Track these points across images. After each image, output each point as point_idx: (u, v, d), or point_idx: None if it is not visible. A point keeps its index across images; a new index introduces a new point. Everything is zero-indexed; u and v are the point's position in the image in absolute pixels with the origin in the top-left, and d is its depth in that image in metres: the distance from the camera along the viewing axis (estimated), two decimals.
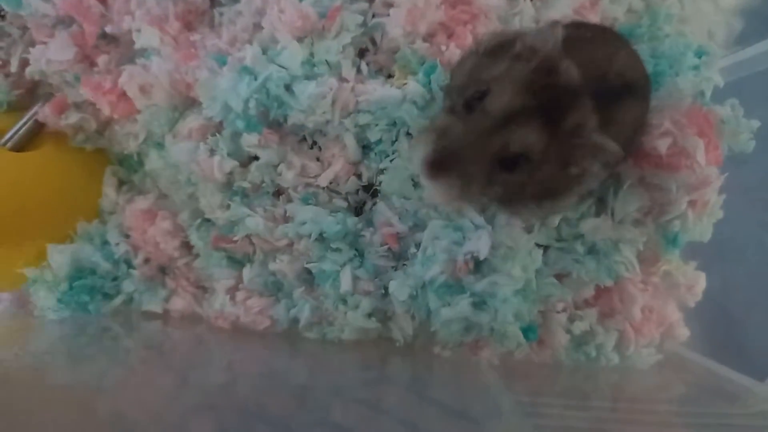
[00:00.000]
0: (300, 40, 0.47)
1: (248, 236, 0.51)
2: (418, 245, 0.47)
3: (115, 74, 0.52)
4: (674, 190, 0.45)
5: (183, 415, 0.39)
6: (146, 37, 0.50)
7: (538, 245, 0.46)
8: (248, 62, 0.46)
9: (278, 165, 0.49)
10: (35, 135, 0.55)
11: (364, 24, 0.49)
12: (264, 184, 0.50)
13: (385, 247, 0.48)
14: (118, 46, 0.54)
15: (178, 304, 0.54)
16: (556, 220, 0.46)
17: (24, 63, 0.55)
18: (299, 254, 0.49)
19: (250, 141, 0.48)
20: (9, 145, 0.53)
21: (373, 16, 0.50)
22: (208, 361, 0.50)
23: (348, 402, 0.42)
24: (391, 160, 0.48)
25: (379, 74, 0.49)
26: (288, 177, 0.48)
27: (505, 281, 0.44)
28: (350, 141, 0.48)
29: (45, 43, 0.53)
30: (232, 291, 0.52)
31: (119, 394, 0.42)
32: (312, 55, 0.47)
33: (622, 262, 0.46)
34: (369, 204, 0.50)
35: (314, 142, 0.50)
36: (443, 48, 0.46)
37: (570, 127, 0.32)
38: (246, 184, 0.50)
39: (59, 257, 0.53)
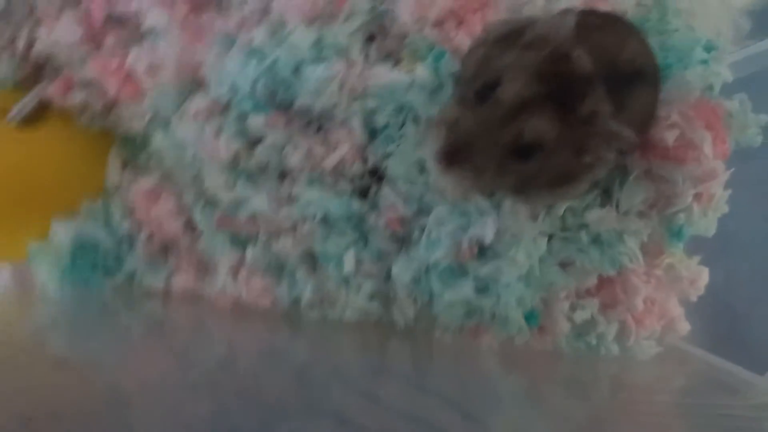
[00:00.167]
0: (309, 23, 0.47)
1: (252, 217, 0.51)
2: (422, 229, 0.47)
3: (122, 55, 0.52)
4: (680, 183, 0.45)
5: (181, 391, 0.39)
6: (153, 18, 0.50)
7: (542, 234, 0.46)
8: (257, 44, 0.46)
9: (284, 147, 0.49)
10: (41, 113, 0.55)
11: (373, 9, 0.49)
12: (270, 166, 0.50)
13: (390, 230, 0.48)
14: (126, 28, 0.54)
15: (180, 282, 0.54)
16: (561, 209, 0.46)
17: (31, 41, 0.55)
18: (303, 236, 0.49)
19: (256, 122, 0.48)
20: (14, 122, 0.54)
21: (383, 1, 0.49)
22: (208, 338, 0.50)
23: (347, 383, 0.42)
24: (397, 145, 0.48)
25: (388, 60, 0.49)
26: (294, 159, 0.48)
27: (509, 267, 0.44)
28: (357, 125, 0.48)
29: (52, 24, 0.52)
30: (234, 270, 0.52)
31: (118, 369, 0.42)
32: (320, 38, 0.47)
33: (626, 253, 0.46)
34: (374, 188, 0.50)
35: (321, 126, 0.50)
36: (452, 35, 0.46)
37: (584, 115, 0.32)
38: (251, 166, 0.50)
39: (63, 233, 0.53)
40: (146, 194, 0.54)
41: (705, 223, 0.47)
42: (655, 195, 0.47)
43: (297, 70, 0.46)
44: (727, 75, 0.48)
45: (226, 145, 0.48)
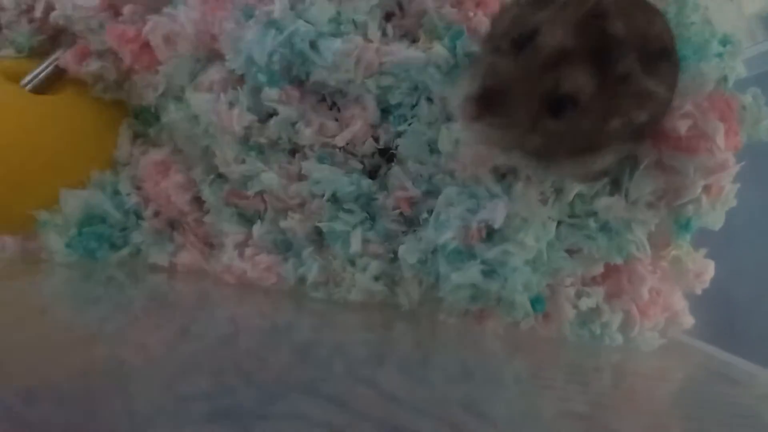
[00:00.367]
0: None
1: (260, 193, 0.51)
2: (430, 211, 0.47)
3: (139, 24, 0.52)
4: (691, 173, 0.45)
5: (182, 364, 0.39)
6: None
7: (550, 219, 0.46)
8: (276, 16, 0.46)
9: (296, 122, 0.49)
10: (55, 80, 0.55)
11: None
12: (281, 141, 0.50)
13: (397, 211, 0.48)
14: None
15: (185, 258, 0.54)
16: (571, 194, 0.46)
17: (49, 8, 0.55)
18: (311, 213, 0.49)
19: (270, 96, 0.48)
20: (29, 87, 0.54)
21: None
22: (211, 314, 0.50)
23: (349, 363, 0.42)
24: (409, 124, 0.48)
25: (405, 39, 0.49)
26: (305, 135, 0.49)
27: (517, 250, 0.44)
28: (370, 103, 0.48)
29: None
30: (240, 247, 0.52)
31: (120, 340, 0.42)
32: (339, 13, 0.47)
33: (634, 242, 0.46)
34: (384, 168, 0.50)
35: (334, 102, 0.50)
36: (471, 15, 0.47)
37: (619, 74, 0.32)
38: (263, 140, 0.50)
39: (71, 202, 0.53)
40: (155, 167, 0.54)
41: (713, 216, 0.47)
42: (665, 186, 0.47)
43: (314, 43, 0.46)
44: (742, 70, 0.48)
45: (239, 118, 0.48)
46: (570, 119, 0.33)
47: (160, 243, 0.56)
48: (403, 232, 0.49)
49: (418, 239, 0.47)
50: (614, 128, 0.34)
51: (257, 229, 0.51)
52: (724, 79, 0.46)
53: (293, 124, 0.49)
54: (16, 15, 0.56)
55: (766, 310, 0.49)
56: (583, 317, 0.49)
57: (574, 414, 0.38)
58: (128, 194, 0.55)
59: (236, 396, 0.33)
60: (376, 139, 0.50)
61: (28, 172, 0.52)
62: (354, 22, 0.48)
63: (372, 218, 0.50)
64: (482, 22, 0.46)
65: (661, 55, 0.38)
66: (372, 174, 0.51)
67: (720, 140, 0.44)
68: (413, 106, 0.48)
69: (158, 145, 0.57)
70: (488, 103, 0.31)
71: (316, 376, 0.38)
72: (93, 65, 0.54)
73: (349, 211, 0.49)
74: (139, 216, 0.56)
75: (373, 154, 0.50)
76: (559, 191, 0.46)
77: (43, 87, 0.54)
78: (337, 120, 0.50)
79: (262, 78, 0.48)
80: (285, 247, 0.52)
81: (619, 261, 0.47)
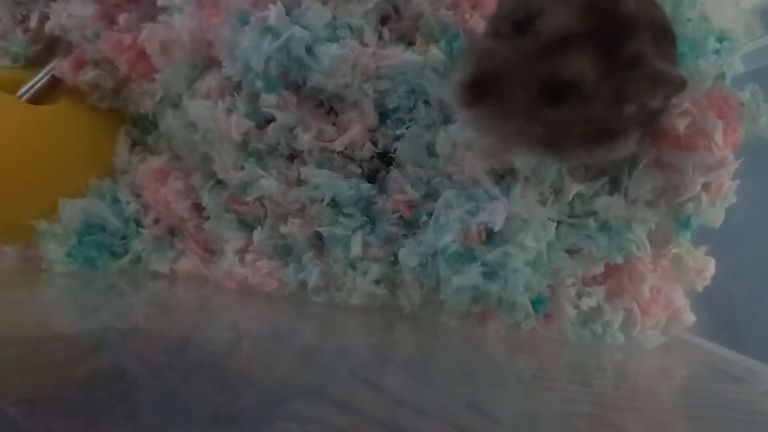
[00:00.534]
0: (324, 2, 0.47)
1: (260, 199, 0.51)
2: (430, 214, 0.47)
3: (135, 32, 0.52)
4: (690, 171, 0.45)
5: (185, 371, 0.39)
6: None
7: (550, 220, 0.46)
8: (272, 21, 0.46)
9: (294, 128, 0.49)
10: (52, 90, 0.55)
11: None
12: (279, 146, 0.50)
13: (397, 214, 0.48)
14: (140, 5, 0.54)
15: (186, 265, 0.54)
16: (570, 195, 0.46)
17: (44, 18, 0.55)
18: (311, 218, 0.49)
19: (268, 102, 0.48)
20: (25, 98, 0.54)
21: None
22: (213, 320, 0.50)
23: (352, 367, 0.42)
24: (407, 128, 0.48)
25: (401, 42, 0.49)
26: (304, 140, 0.48)
27: (517, 251, 0.44)
28: (368, 107, 0.48)
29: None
30: (241, 252, 0.52)
31: (122, 348, 0.42)
32: (335, 18, 0.47)
33: (634, 241, 0.46)
34: (383, 172, 0.50)
35: (332, 107, 0.50)
36: (467, 17, 0.47)
37: (629, 56, 0.30)
38: (261, 146, 0.50)
39: (70, 211, 0.53)
40: (154, 174, 0.54)
41: (713, 213, 0.47)
42: (664, 184, 0.47)
43: (310, 48, 0.46)
44: (739, 66, 0.48)
45: (237, 125, 0.48)
46: (574, 107, 0.31)
47: (160, 250, 0.56)
48: (403, 235, 0.49)
49: (418, 242, 0.47)
50: (629, 114, 0.32)
51: (257, 234, 0.51)
52: (722, 75, 0.46)
53: (291, 130, 0.49)
54: (11, 25, 0.56)
55: (767, 306, 0.49)
56: (584, 317, 0.49)
57: (576, 414, 0.38)
58: (128, 202, 0.55)
59: (240, 401, 0.33)
60: (375, 143, 0.50)
61: (26, 183, 0.52)
62: (350, 26, 0.48)
63: (372, 222, 0.50)
64: (479, 24, 0.46)
65: (667, 36, 0.36)
66: (371, 178, 0.51)
67: (719, 137, 0.44)
68: (411, 110, 0.48)
69: (157, 152, 0.57)
70: (481, 89, 0.29)
71: (319, 379, 0.38)
72: (89, 74, 0.54)
73: (349, 216, 0.49)
74: (138, 223, 0.56)
75: (371, 158, 0.50)
76: (558, 191, 0.46)
77: (40, 97, 0.54)
78: (335, 125, 0.50)
79: (259, 84, 0.47)
80: (285, 252, 0.52)
81: (619, 260, 0.47)
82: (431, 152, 0.48)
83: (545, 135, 0.33)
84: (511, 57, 0.29)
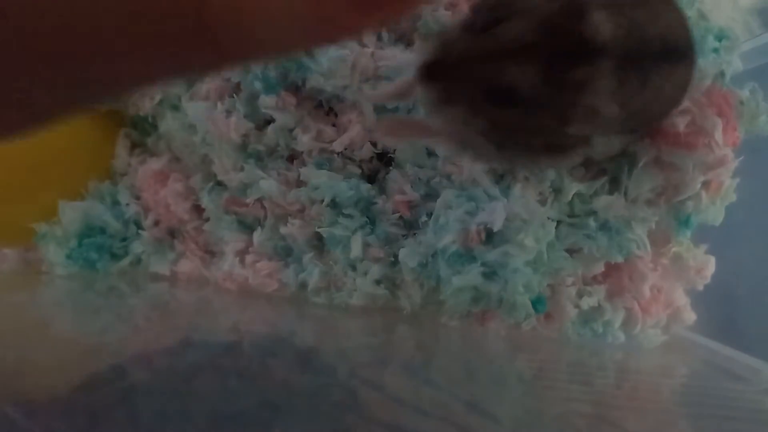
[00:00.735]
0: None
1: (260, 200, 0.51)
2: (429, 214, 0.47)
3: None
4: (690, 170, 0.45)
5: (186, 373, 0.39)
6: None
7: (550, 219, 0.46)
8: None
9: (294, 129, 0.49)
10: None
11: None
12: (279, 148, 0.50)
13: (397, 215, 0.48)
14: None
15: (186, 267, 0.54)
16: (569, 194, 0.46)
17: None
18: (311, 219, 0.49)
19: (267, 103, 0.48)
20: None
21: None
22: (214, 321, 0.50)
23: (353, 366, 0.42)
24: None
25: (400, 43, 0.49)
26: (303, 141, 0.49)
27: (517, 252, 0.44)
28: (367, 107, 0.48)
29: None
30: (241, 254, 0.52)
31: (123, 350, 0.42)
32: None
33: (634, 240, 0.46)
34: (383, 172, 0.50)
35: (331, 108, 0.50)
36: None
37: (572, 82, 0.30)
38: (261, 147, 0.50)
39: (70, 213, 0.53)
40: (154, 176, 0.54)
41: (713, 211, 0.47)
42: (664, 183, 0.47)
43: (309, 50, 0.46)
44: (738, 64, 0.48)
45: (236, 126, 0.48)
46: (514, 114, 0.32)
47: (160, 252, 0.56)
48: (403, 236, 0.49)
49: (418, 243, 0.47)
50: (573, 134, 0.32)
51: (257, 235, 0.51)
52: (722, 74, 0.46)
53: (291, 131, 0.49)
54: None
55: (767, 303, 0.49)
56: (584, 316, 0.49)
57: (577, 413, 0.38)
58: (127, 204, 0.55)
59: (241, 403, 0.33)
60: (374, 144, 0.50)
61: (25, 185, 0.52)
62: None
63: (372, 222, 0.50)
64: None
65: (664, 56, 0.35)
66: (371, 178, 0.51)
67: (718, 136, 0.44)
68: (410, 110, 0.48)
69: (156, 154, 0.57)
70: (433, 72, 0.30)
71: (319, 381, 0.38)
72: None
73: (349, 216, 0.49)
74: (138, 225, 0.56)
75: (371, 159, 0.50)
76: (557, 191, 0.46)
77: None
78: (334, 125, 0.50)
79: (258, 85, 0.48)
80: (285, 253, 0.52)
81: (619, 259, 0.47)
82: (430, 152, 0.48)
83: (490, 133, 0.34)
84: (467, 51, 0.30)
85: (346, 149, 0.49)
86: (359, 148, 0.49)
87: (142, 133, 0.58)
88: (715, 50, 0.47)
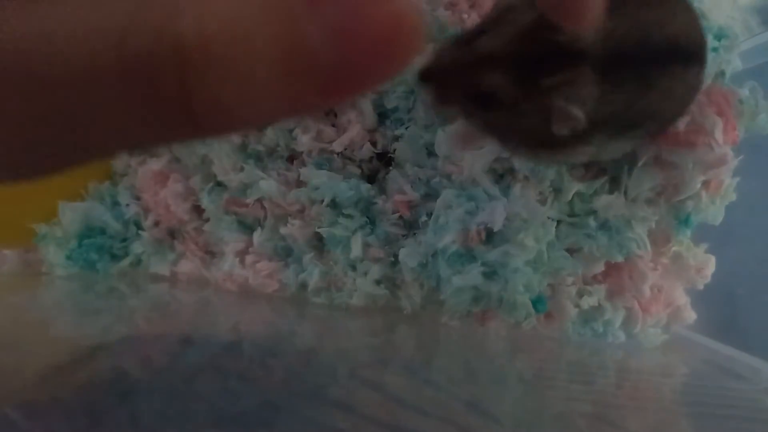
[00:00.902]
0: None
1: (260, 200, 0.51)
2: (429, 214, 0.47)
3: None
4: (689, 168, 0.45)
5: (186, 373, 0.39)
6: None
7: (550, 219, 0.46)
8: None
9: (294, 129, 0.49)
10: None
11: None
12: (279, 148, 0.50)
13: (397, 215, 0.48)
14: None
15: (186, 267, 0.54)
16: (569, 194, 0.46)
17: None
18: (311, 219, 0.49)
19: None
20: None
21: None
22: (214, 322, 0.50)
23: (353, 367, 0.42)
24: (406, 128, 0.48)
25: None
26: (303, 141, 0.49)
27: (518, 251, 0.44)
28: (367, 107, 0.48)
29: None
30: (241, 254, 0.52)
31: (123, 350, 0.42)
32: None
33: (634, 239, 0.46)
34: (382, 173, 0.50)
35: (330, 108, 0.50)
36: (465, 17, 0.47)
37: (543, 87, 0.32)
38: (261, 147, 0.50)
39: (70, 214, 0.53)
40: (154, 176, 0.54)
41: (713, 210, 0.47)
42: (664, 182, 0.47)
43: None
44: (738, 63, 0.48)
45: None
46: (502, 114, 0.34)
47: (160, 252, 0.56)
48: (403, 236, 0.49)
49: (418, 243, 0.47)
50: (560, 133, 0.33)
51: (257, 236, 0.51)
52: (721, 73, 0.46)
53: (290, 131, 0.49)
54: None
55: (767, 302, 0.49)
56: (585, 316, 0.49)
57: (578, 412, 0.38)
58: (127, 205, 0.56)
59: (241, 403, 0.33)
60: (374, 144, 0.50)
61: (25, 186, 0.51)
62: None
63: (372, 222, 0.50)
64: (476, 23, 0.46)
65: (672, 57, 0.35)
66: (370, 178, 0.51)
67: (718, 134, 0.44)
68: (409, 110, 0.48)
69: (156, 155, 0.57)
70: (426, 78, 0.32)
71: (320, 381, 0.38)
72: None
73: (349, 216, 0.49)
74: (138, 226, 0.56)
75: (371, 159, 0.50)
76: (557, 191, 0.46)
77: None
78: (334, 126, 0.50)
79: None
80: (286, 253, 0.52)
81: (619, 259, 0.47)
82: (430, 152, 0.48)
83: (486, 130, 0.36)
84: (452, 61, 0.33)
85: (345, 149, 0.49)
86: (359, 148, 0.49)
87: None
88: (715, 49, 0.47)
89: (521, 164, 0.46)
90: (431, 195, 0.48)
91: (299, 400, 0.35)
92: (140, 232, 0.55)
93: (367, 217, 0.50)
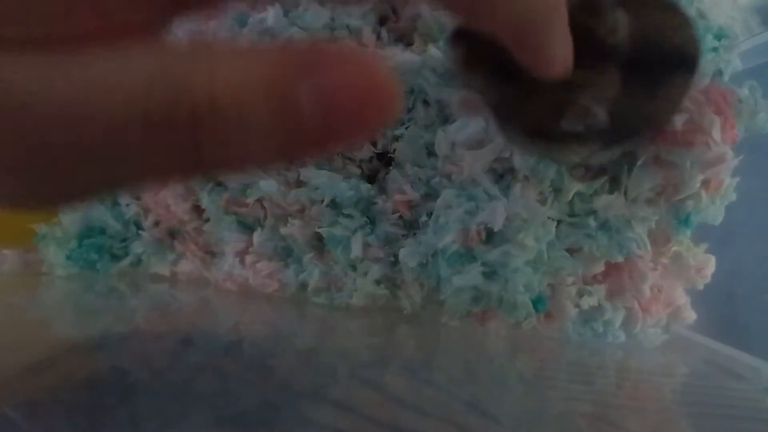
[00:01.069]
0: (322, 3, 0.47)
1: (260, 200, 0.51)
2: (429, 214, 0.47)
3: None
4: (688, 168, 0.44)
5: (186, 373, 0.39)
6: None
7: (550, 219, 0.46)
8: (270, 23, 0.46)
9: None
10: None
11: None
12: None
13: (397, 215, 0.49)
14: None
15: (186, 267, 0.54)
16: (569, 194, 0.46)
17: None
18: (311, 219, 0.49)
19: None
20: None
21: None
22: (214, 322, 0.50)
23: (354, 367, 0.42)
24: (406, 128, 0.48)
25: (399, 42, 0.49)
26: None
27: (518, 251, 0.44)
28: None
29: None
30: (241, 254, 0.52)
31: (123, 351, 0.42)
32: (333, 19, 0.47)
33: (634, 239, 0.46)
34: (382, 172, 0.50)
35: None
36: None
37: (573, 79, 0.30)
38: None
39: (70, 214, 0.53)
40: None
41: (713, 210, 0.47)
42: (664, 182, 0.46)
43: None
44: (737, 63, 0.48)
45: None
46: (518, 90, 0.32)
47: (160, 252, 0.56)
48: (403, 236, 0.49)
49: (418, 243, 0.47)
50: (567, 128, 0.33)
51: (257, 236, 0.51)
52: (720, 72, 0.46)
53: None
54: None
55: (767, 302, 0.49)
56: (585, 316, 0.49)
57: (578, 412, 0.38)
58: (127, 205, 0.56)
59: (241, 403, 0.33)
60: (374, 144, 0.50)
61: None
62: (348, 27, 0.48)
63: (372, 222, 0.50)
64: None
65: (674, 64, 0.35)
66: (371, 178, 0.51)
67: (716, 134, 0.44)
68: (409, 110, 0.48)
69: None
70: (456, 38, 0.31)
71: (320, 381, 0.38)
72: None
73: (349, 216, 0.49)
74: (139, 226, 0.56)
75: (371, 159, 0.50)
76: (557, 191, 0.46)
77: None
78: None
79: None
80: (286, 253, 0.52)
81: (619, 259, 0.47)
82: (430, 152, 0.48)
83: (497, 107, 0.35)
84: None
85: (345, 149, 0.49)
86: (359, 149, 0.49)
87: None
88: (714, 49, 0.47)
89: (521, 164, 0.46)
90: (431, 195, 0.48)
91: (299, 400, 0.35)
92: (140, 232, 0.56)
93: (367, 217, 0.50)
